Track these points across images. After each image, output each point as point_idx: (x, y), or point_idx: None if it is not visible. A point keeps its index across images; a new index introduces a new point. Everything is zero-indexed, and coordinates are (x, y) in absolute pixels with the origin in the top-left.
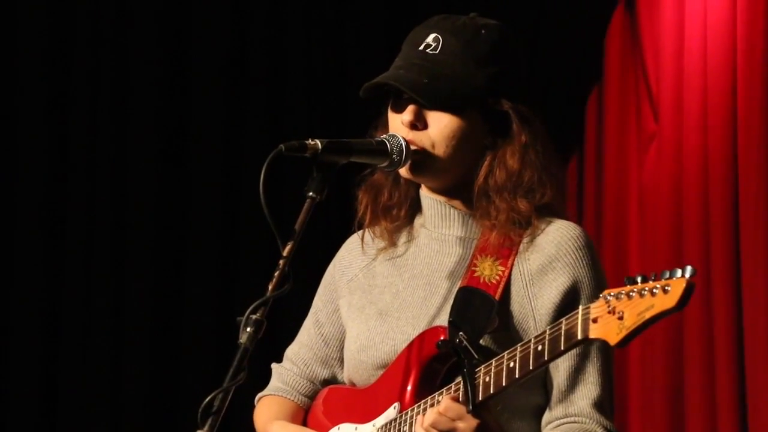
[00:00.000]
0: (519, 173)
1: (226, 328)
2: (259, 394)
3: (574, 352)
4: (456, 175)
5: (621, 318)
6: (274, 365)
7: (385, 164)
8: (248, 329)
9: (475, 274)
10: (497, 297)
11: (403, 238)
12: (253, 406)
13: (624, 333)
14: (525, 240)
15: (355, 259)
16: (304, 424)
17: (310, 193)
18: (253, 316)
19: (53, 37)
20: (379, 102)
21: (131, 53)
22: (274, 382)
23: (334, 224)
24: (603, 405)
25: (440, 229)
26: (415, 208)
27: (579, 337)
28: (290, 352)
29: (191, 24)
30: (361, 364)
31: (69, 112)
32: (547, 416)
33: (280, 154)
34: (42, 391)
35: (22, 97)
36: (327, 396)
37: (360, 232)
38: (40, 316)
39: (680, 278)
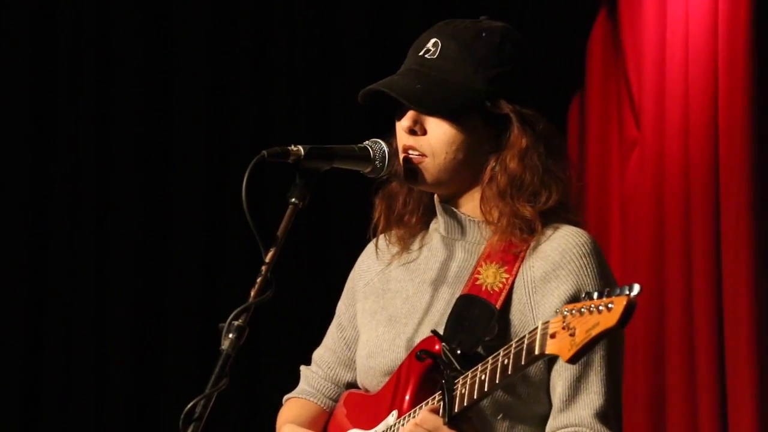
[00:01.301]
0: (520, 177)
1: (209, 335)
2: (286, 396)
3: None
4: (461, 181)
5: (573, 335)
6: (302, 368)
7: (368, 170)
8: (230, 335)
9: (478, 282)
10: (499, 305)
11: (418, 243)
12: (235, 412)
13: (574, 350)
14: (531, 246)
15: (372, 264)
16: (326, 426)
17: (293, 200)
18: (236, 323)
19: (36, 41)
20: (369, 108)
21: (114, 55)
22: (301, 385)
23: (316, 230)
24: (606, 415)
25: (452, 235)
26: (431, 213)
27: (536, 352)
28: (316, 355)
29: (174, 28)
30: (370, 370)
31: (52, 116)
32: (548, 426)
33: (263, 160)
34: (25, 397)
35: (6, 96)
36: (346, 399)
37: (375, 239)
38: (22, 324)
39: (623, 296)
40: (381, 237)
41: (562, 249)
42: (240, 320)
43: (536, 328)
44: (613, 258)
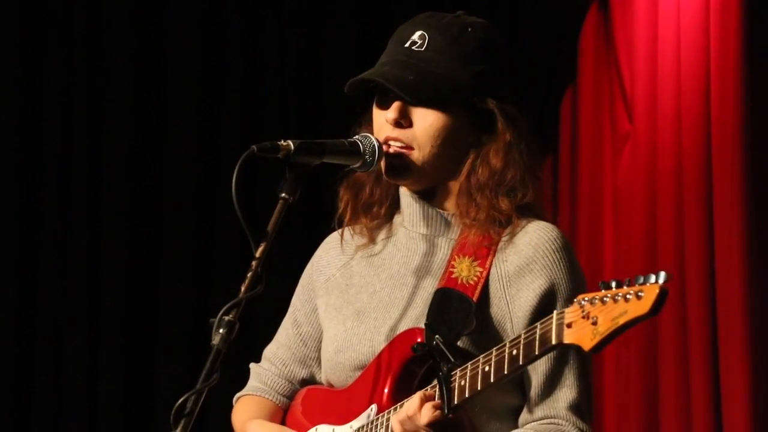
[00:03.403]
0: (502, 172)
1: (200, 330)
2: (238, 394)
3: (550, 355)
4: (438, 175)
5: (595, 323)
6: (252, 365)
7: (357, 165)
8: (221, 331)
9: (453, 275)
10: (475, 298)
11: (381, 236)
12: (226, 407)
13: (598, 338)
14: (503, 240)
15: (333, 259)
16: (283, 423)
17: (283, 194)
18: (226, 318)
19: (27, 37)
20: (357, 101)
21: (105, 52)
22: (252, 382)
23: (306, 225)
24: (580, 407)
25: (419, 229)
26: (395, 205)
27: (553, 342)
28: (268, 351)
29: (165, 24)
30: (338, 365)
31: (43, 113)
32: (522, 418)
33: (253, 155)
34: (17, 393)
35: None
36: (306, 396)
37: (340, 230)
38: (14, 322)
39: (654, 284)
40: (346, 228)
41: (534, 244)
42: (230, 315)
43: (549, 317)
44: (606, 251)
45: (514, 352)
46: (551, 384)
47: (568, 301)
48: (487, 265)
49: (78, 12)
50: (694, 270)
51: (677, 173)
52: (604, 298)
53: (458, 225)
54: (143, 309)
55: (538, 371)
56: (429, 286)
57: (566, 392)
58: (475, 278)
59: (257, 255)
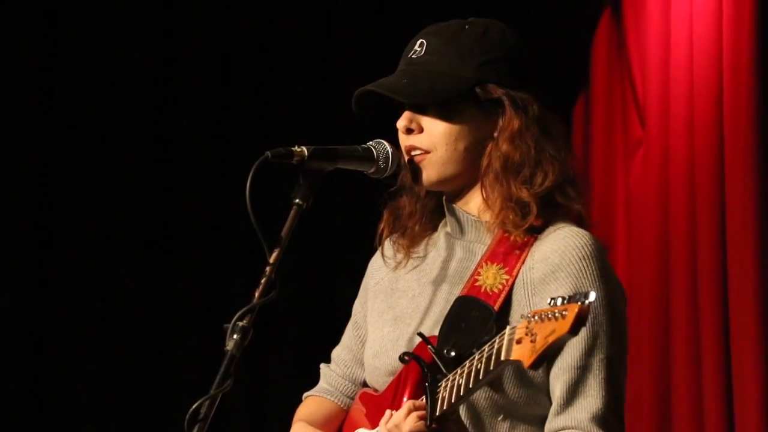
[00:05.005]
0: (513, 158)
1: (213, 336)
2: (306, 393)
3: (574, 364)
4: (466, 174)
5: (533, 341)
6: (322, 365)
7: (371, 171)
8: (234, 336)
9: (477, 283)
10: (497, 307)
11: (424, 247)
12: (238, 412)
13: (534, 356)
14: (532, 248)
15: (384, 264)
16: (342, 424)
17: (297, 200)
18: (240, 323)
19: (38, 37)
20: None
21: (117, 57)
22: (320, 383)
23: (320, 231)
24: (606, 419)
25: (457, 235)
26: (435, 219)
27: (502, 357)
28: (334, 353)
29: (178, 29)
30: (375, 370)
31: (55, 116)
32: (545, 428)
33: (266, 161)
34: (29, 398)
35: (6, 95)
36: (360, 398)
37: (381, 246)
38: (25, 324)
39: (575, 303)
40: (387, 243)
41: (561, 251)
42: (244, 321)
43: (503, 333)
44: (619, 257)
45: (479, 366)
46: (574, 393)
47: (597, 310)
48: (514, 273)
49: (90, 13)
50: (707, 274)
51: (690, 178)
52: (543, 315)
53: (488, 229)
54: (156, 314)
55: (561, 381)
56: (455, 292)
57: (590, 402)
58: (500, 286)
59: (271, 261)
